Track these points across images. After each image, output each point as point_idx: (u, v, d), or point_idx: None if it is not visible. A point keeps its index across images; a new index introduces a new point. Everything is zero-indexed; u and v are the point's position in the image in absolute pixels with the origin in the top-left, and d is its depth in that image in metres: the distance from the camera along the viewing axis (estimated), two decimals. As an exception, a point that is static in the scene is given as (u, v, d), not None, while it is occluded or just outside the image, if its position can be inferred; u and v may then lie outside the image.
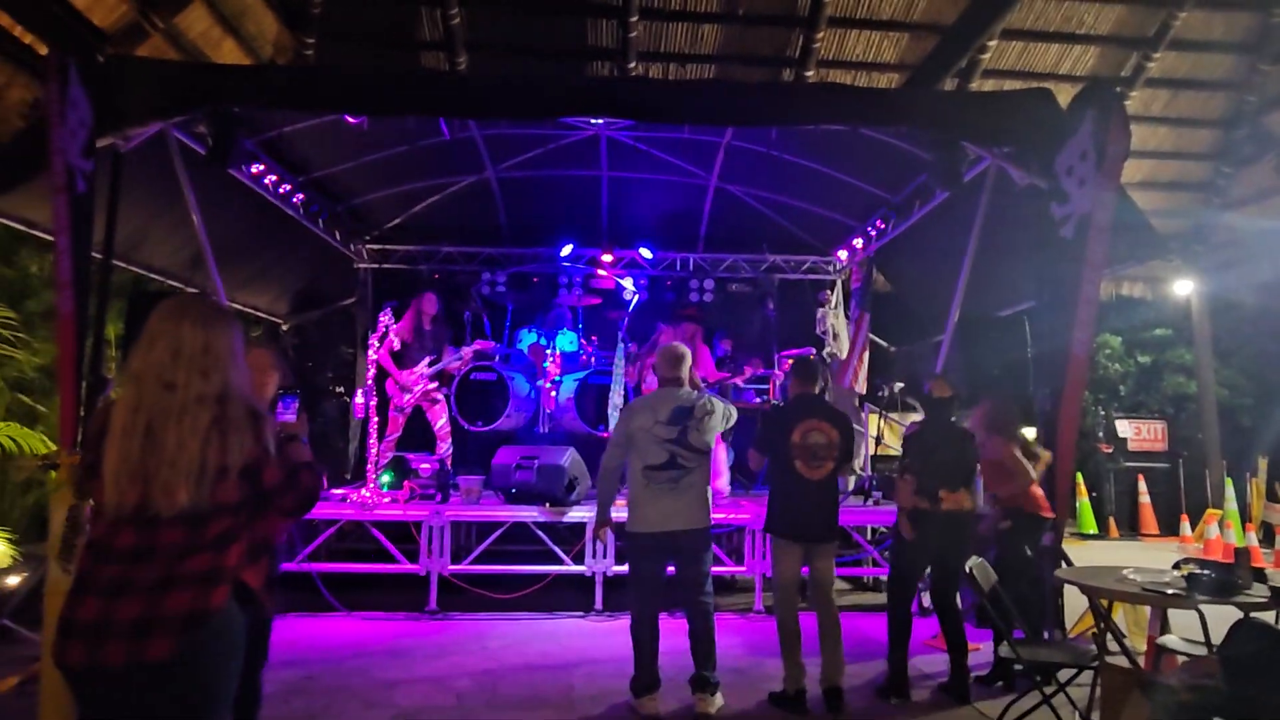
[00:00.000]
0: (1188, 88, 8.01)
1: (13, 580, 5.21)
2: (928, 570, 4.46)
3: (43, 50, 5.21)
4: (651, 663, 3.80)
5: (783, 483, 4.06)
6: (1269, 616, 2.92)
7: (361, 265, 8.75)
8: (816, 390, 4.21)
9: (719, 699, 3.86)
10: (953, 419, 4.41)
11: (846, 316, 9.17)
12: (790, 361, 5.84)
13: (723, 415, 3.99)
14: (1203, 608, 3.26)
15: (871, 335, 8.60)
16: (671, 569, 3.93)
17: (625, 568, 5.68)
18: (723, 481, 6.60)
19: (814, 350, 8.33)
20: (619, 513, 4.07)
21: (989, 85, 7.50)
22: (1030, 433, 4.75)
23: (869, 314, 8.30)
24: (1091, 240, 4.18)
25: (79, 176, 3.98)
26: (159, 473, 1.79)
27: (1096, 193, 4.14)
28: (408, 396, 6.78)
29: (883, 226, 7.67)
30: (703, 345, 7.27)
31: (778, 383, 7.04)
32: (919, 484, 4.16)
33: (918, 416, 5.68)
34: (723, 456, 6.69)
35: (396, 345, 6.78)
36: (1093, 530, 10.39)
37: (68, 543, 2.70)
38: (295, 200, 6.73)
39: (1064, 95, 4.74)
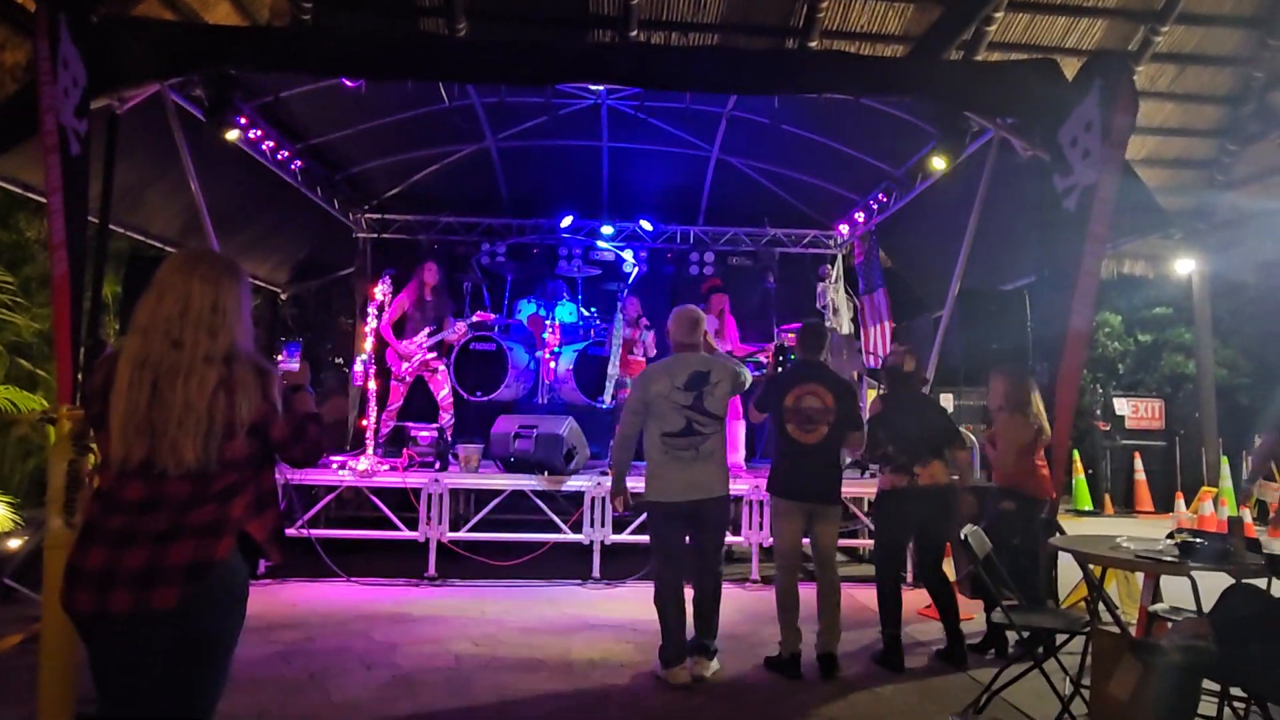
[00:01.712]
0: (1195, 63, 7.91)
1: (13, 543, 5.24)
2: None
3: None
4: (679, 632, 3.78)
5: (780, 446, 4.10)
6: (1261, 583, 2.94)
7: (360, 235, 8.70)
8: (821, 357, 4.20)
9: (715, 664, 3.90)
10: (919, 391, 4.43)
11: (847, 291, 9.15)
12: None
13: (738, 379, 3.98)
14: (1195, 578, 3.29)
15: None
16: (688, 537, 3.93)
17: (624, 536, 5.77)
18: (739, 455, 6.61)
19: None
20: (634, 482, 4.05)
21: (995, 58, 7.41)
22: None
23: (884, 288, 8.27)
24: (1094, 212, 4.15)
25: (72, 137, 3.94)
26: (166, 430, 1.78)
27: (1101, 164, 4.10)
28: (406, 366, 6.79)
29: (884, 200, 7.63)
30: (730, 317, 7.24)
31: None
32: (893, 459, 4.17)
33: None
34: (738, 430, 6.70)
35: (397, 315, 6.80)
36: (1088, 507, 10.46)
37: (69, 497, 2.71)
38: (293, 167, 6.68)
39: (1070, 69, 4.68)
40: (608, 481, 5.83)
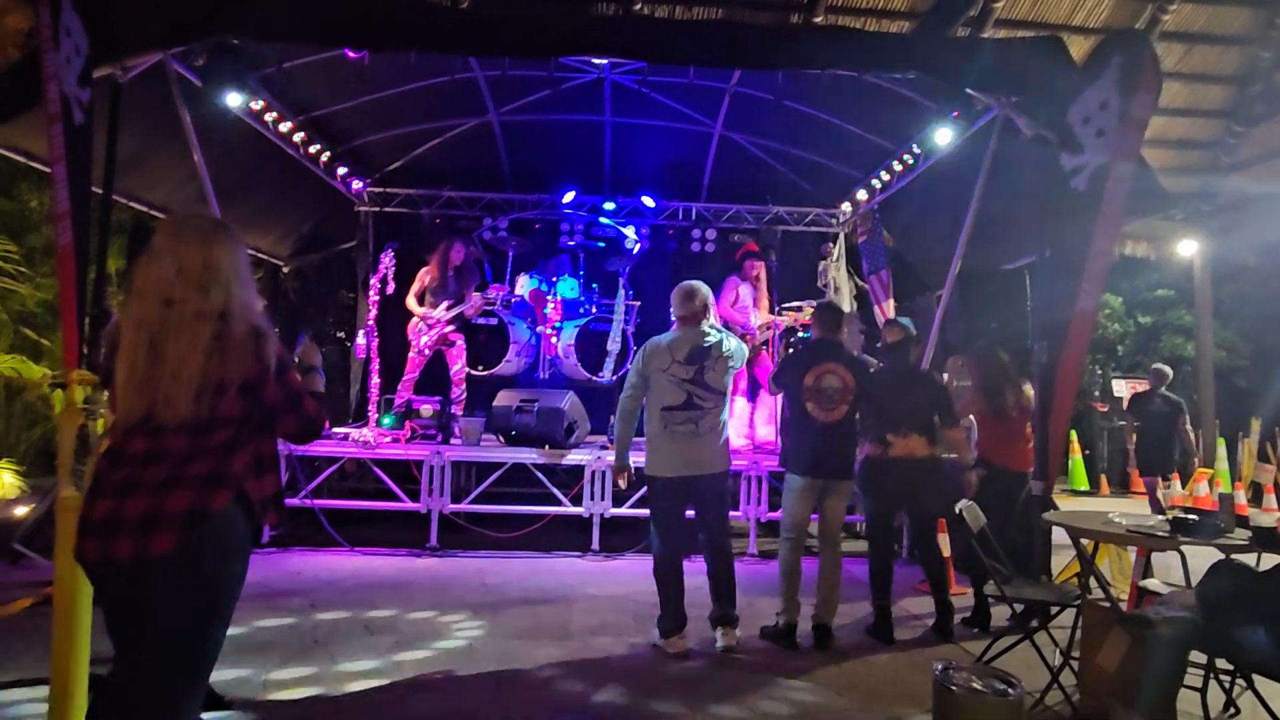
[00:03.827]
0: (1202, 42, 7.84)
1: (21, 510, 5.31)
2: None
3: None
4: (677, 603, 3.84)
5: (798, 424, 4.12)
6: (1249, 559, 2.99)
7: (362, 208, 8.69)
8: (839, 336, 4.22)
9: (738, 633, 3.94)
10: (909, 363, 4.48)
11: (849, 270, 9.16)
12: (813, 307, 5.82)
13: (739, 355, 4.01)
14: (1185, 554, 3.35)
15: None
16: (691, 512, 3.98)
17: (623, 510, 5.84)
18: (739, 437, 6.64)
19: (814, 303, 8.33)
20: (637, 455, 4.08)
21: (1001, 35, 7.35)
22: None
23: (889, 269, 8.29)
24: (1109, 192, 4.13)
25: (75, 105, 3.93)
26: (162, 386, 1.85)
27: (1118, 143, 4.08)
28: (425, 339, 6.85)
29: (887, 178, 7.62)
30: (765, 284, 7.15)
31: (776, 333, 7.07)
32: (869, 430, 4.23)
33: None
34: (741, 409, 6.73)
35: (419, 289, 6.85)
36: (1084, 487, 10.55)
37: (79, 461, 2.77)
38: (295, 139, 6.67)
39: (1076, 47, 4.66)
40: (608, 455, 5.91)
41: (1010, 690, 2.52)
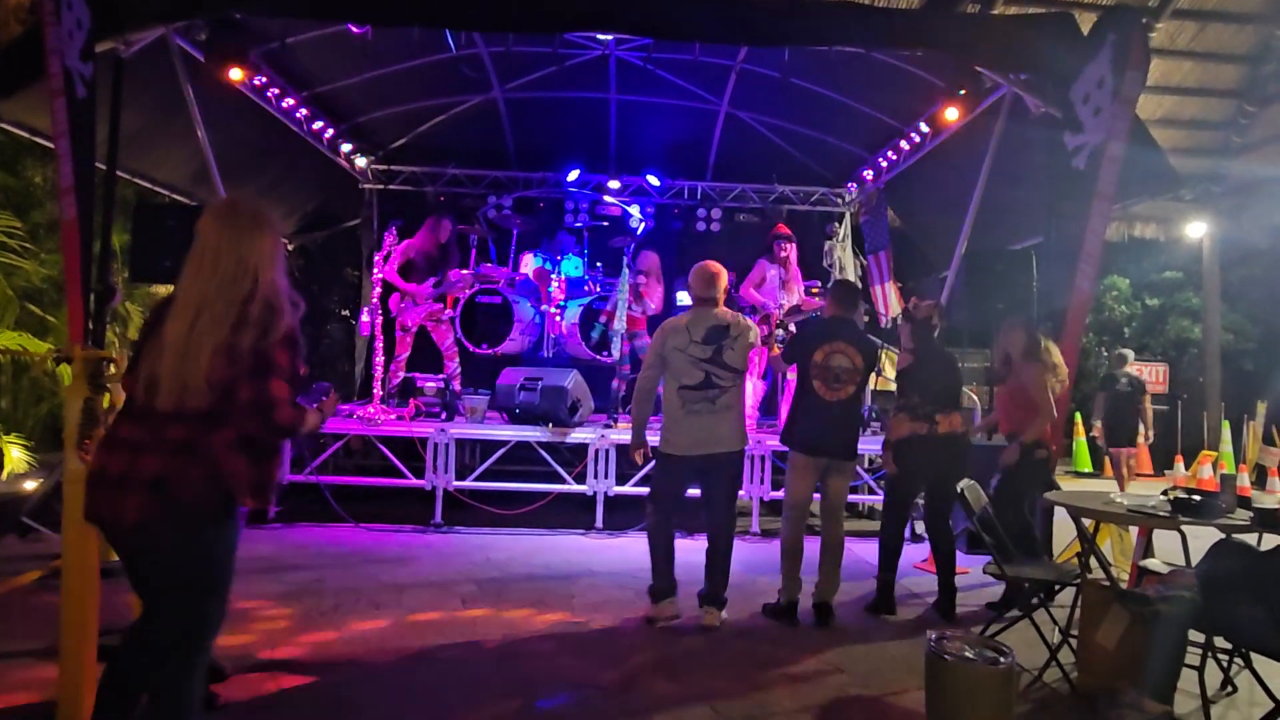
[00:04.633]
0: (1216, 19, 7.74)
1: (29, 484, 5.36)
2: (920, 496, 4.57)
3: (39, -50, 5.05)
4: (668, 569, 3.91)
5: (802, 401, 4.10)
6: (1250, 539, 3.00)
7: (367, 186, 8.67)
8: (853, 315, 4.20)
9: (724, 614, 3.98)
10: (942, 345, 4.46)
11: (855, 250, 9.12)
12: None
13: (755, 335, 4.01)
14: (1187, 535, 3.36)
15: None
16: (698, 490, 3.99)
17: (627, 488, 5.87)
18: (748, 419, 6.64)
19: (819, 283, 8.30)
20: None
21: (1011, 11, 7.26)
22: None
23: (890, 249, 8.28)
24: (1103, 171, 4.12)
25: (78, 80, 3.92)
26: (168, 360, 1.94)
27: (1111, 121, 4.06)
28: (410, 317, 6.82)
29: (894, 158, 7.56)
30: (796, 267, 7.08)
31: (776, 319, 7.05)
32: (916, 409, 4.21)
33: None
34: (750, 390, 6.73)
35: (402, 261, 6.77)
36: (1088, 469, 10.55)
37: (85, 435, 2.79)
38: (299, 116, 6.63)
39: (1087, 23, 4.60)
40: (611, 434, 5.94)
41: (1001, 659, 2.53)
